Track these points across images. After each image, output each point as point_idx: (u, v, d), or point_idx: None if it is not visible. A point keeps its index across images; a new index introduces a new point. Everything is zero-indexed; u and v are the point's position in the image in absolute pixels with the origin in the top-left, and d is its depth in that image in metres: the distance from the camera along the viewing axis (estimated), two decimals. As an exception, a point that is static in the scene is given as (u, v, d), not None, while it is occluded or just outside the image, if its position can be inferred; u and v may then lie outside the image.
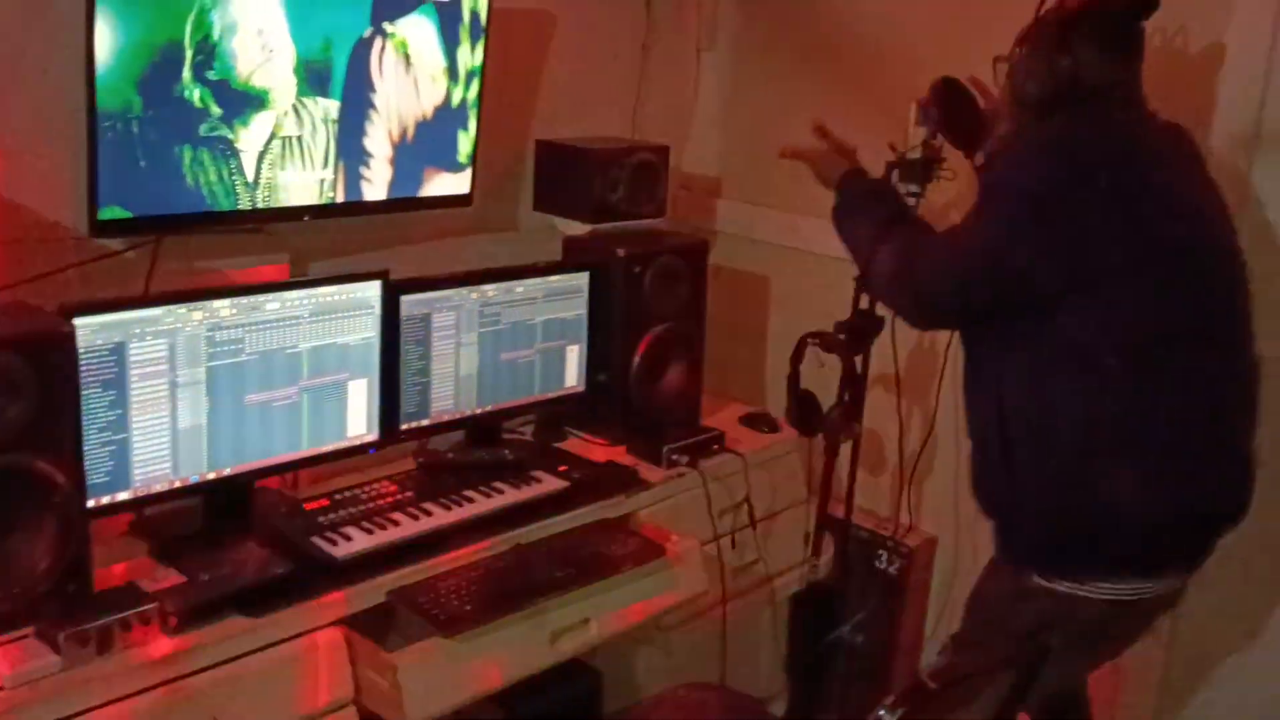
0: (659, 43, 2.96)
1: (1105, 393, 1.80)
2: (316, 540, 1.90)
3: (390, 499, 2.06)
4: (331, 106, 2.14)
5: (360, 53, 2.16)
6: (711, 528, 2.41)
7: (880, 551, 2.77)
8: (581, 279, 2.45)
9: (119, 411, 1.78)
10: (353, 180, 2.21)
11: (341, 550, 1.88)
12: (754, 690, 2.68)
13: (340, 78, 2.14)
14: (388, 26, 2.19)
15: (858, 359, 2.37)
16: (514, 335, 2.35)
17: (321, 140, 2.14)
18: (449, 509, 2.06)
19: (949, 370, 2.44)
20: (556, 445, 2.48)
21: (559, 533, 2.14)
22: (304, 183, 2.13)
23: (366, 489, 2.09)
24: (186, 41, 1.91)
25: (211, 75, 1.96)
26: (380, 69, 2.19)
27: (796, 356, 2.38)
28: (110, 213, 1.87)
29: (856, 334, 2.35)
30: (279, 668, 1.75)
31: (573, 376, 2.48)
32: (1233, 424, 1.89)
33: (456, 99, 2.34)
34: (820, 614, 2.75)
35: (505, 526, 2.08)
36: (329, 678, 1.80)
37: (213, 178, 2.01)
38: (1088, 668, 2.07)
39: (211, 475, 1.92)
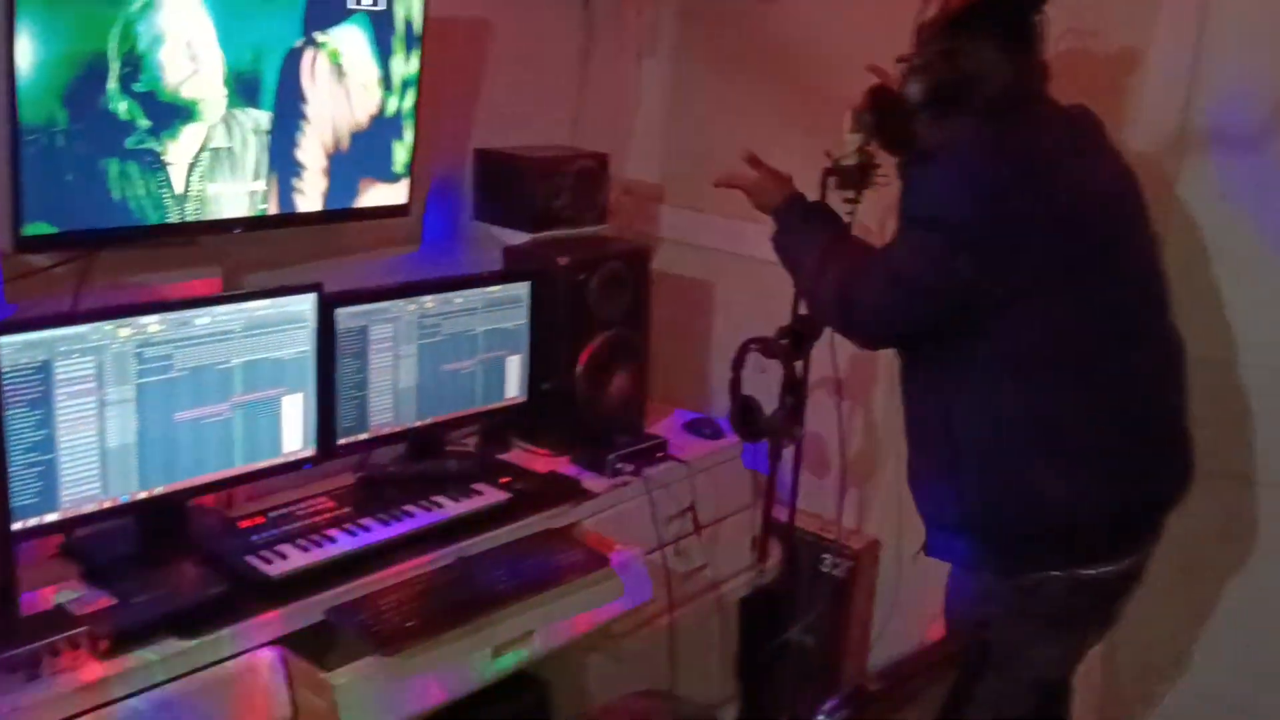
0: (598, 49, 2.95)
1: (1048, 393, 1.83)
2: (251, 559, 1.87)
3: (327, 515, 2.04)
4: (263, 117, 2.11)
5: (291, 63, 2.13)
6: (656, 536, 2.41)
7: (825, 555, 2.78)
8: (522, 288, 2.44)
9: (45, 431, 1.74)
10: (285, 192, 2.18)
11: (277, 569, 1.85)
12: (704, 696, 2.68)
13: (271, 88, 2.11)
14: (319, 36, 2.16)
15: (798, 364, 2.38)
16: (454, 346, 2.33)
17: (253, 152, 2.11)
18: (388, 524, 2.04)
19: (888, 373, 2.45)
20: (499, 456, 2.46)
21: (501, 545, 2.13)
22: (235, 195, 2.10)
23: (303, 505, 2.07)
24: (112, 53, 1.87)
25: (138, 87, 1.92)
26: (312, 79, 2.17)
27: (738, 362, 2.39)
28: (35, 228, 1.83)
29: (797, 339, 2.36)
30: (214, 690, 1.72)
31: (515, 387, 2.47)
32: (1172, 405, 1.94)
33: (391, 109, 2.32)
34: (768, 618, 2.76)
35: (447, 540, 2.07)
36: (265, 699, 1.77)
37: (141, 191, 1.98)
38: (1069, 656, 2.08)
39: (143, 495, 1.88)
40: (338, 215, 2.30)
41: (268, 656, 1.79)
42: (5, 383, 1.65)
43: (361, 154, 2.29)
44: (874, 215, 2.17)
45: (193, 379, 1.91)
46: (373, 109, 2.29)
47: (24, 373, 1.70)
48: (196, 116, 2.01)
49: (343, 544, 1.95)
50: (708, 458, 2.60)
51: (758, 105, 2.84)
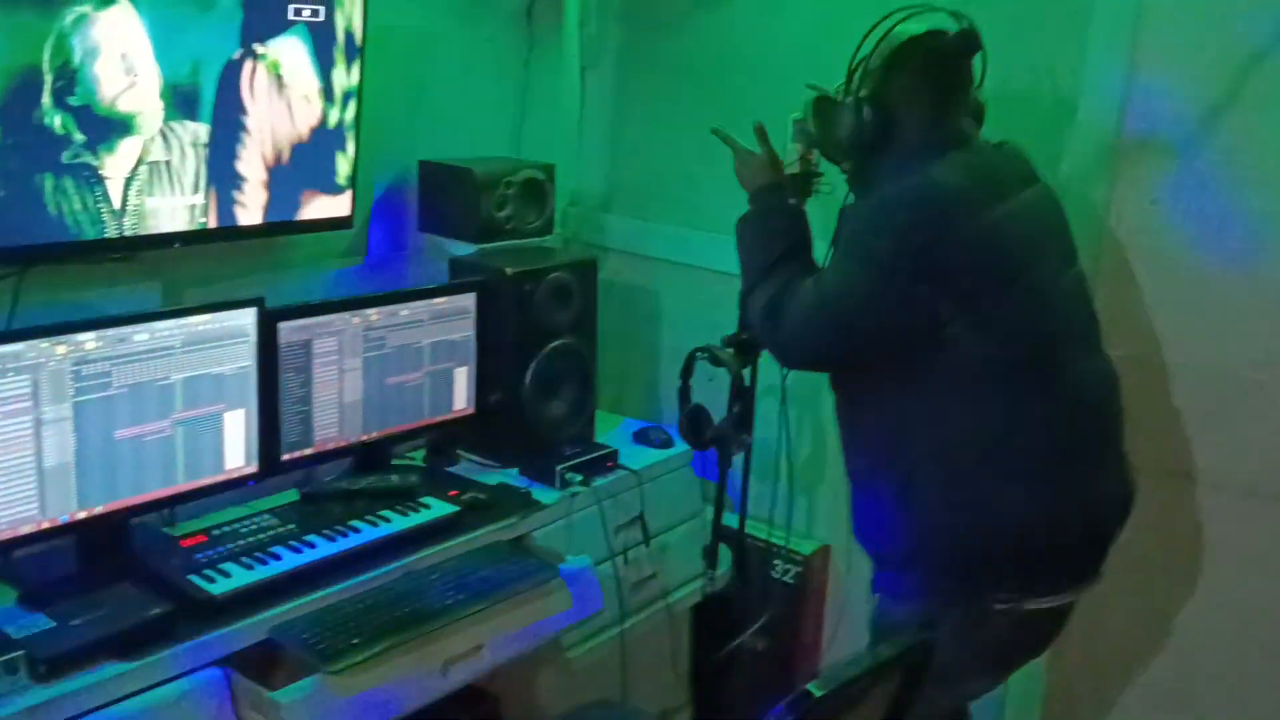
0: (542, 60, 2.95)
1: (993, 413, 1.84)
2: (194, 578, 1.84)
3: (272, 532, 2.01)
4: (201, 130, 2.09)
5: (230, 75, 2.11)
6: (607, 546, 2.41)
7: (776, 560, 2.79)
8: (469, 300, 2.43)
9: (-21, 452, 1.71)
10: (225, 205, 2.16)
11: (220, 587, 1.82)
12: (657, 706, 2.68)
13: (210, 100, 2.09)
14: (258, 48, 2.14)
15: (746, 371, 2.39)
16: (400, 359, 2.32)
17: (191, 165, 2.09)
18: (334, 540, 2.02)
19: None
20: (447, 469, 2.45)
21: (450, 559, 2.11)
22: (174, 209, 2.08)
23: (247, 523, 2.04)
24: (45, 67, 1.85)
25: (73, 101, 1.90)
26: (251, 91, 2.15)
27: (686, 371, 2.39)
28: (-33, 245, 1.81)
29: (743, 347, 2.37)
30: (157, 713, 1.69)
31: (462, 399, 2.45)
32: (1110, 424, 1.96)
33: (333, 120, 2.30)
34: (720, 626, 2.76)
35: (394, 555, 2.05)
36: (210, 720, 1.75)
37: (77, 206, 1.95)
38: (988, 687, 2.12)
39: (82, 514, 1.85)
40: (279, 228, 2.28)
41: (212, 677, 1.76)
42: (-63, 403, 1.62)
43: (303, 166, 2.27)
44: (816, 224, 2.18)
45: (132, 396, 1.88)
46: (314, 120, 2.27)
47: (-44, 392, 1.67)
48: (133, 130, 1.99)
49: (287, 561, 1.93)
50: (657, 466, 2.61)
51: (702, 115, 2.83)
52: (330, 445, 2.22)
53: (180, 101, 2.05)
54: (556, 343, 2.51)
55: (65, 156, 1.91)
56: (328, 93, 2.28)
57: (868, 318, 1.86)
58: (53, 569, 1.87)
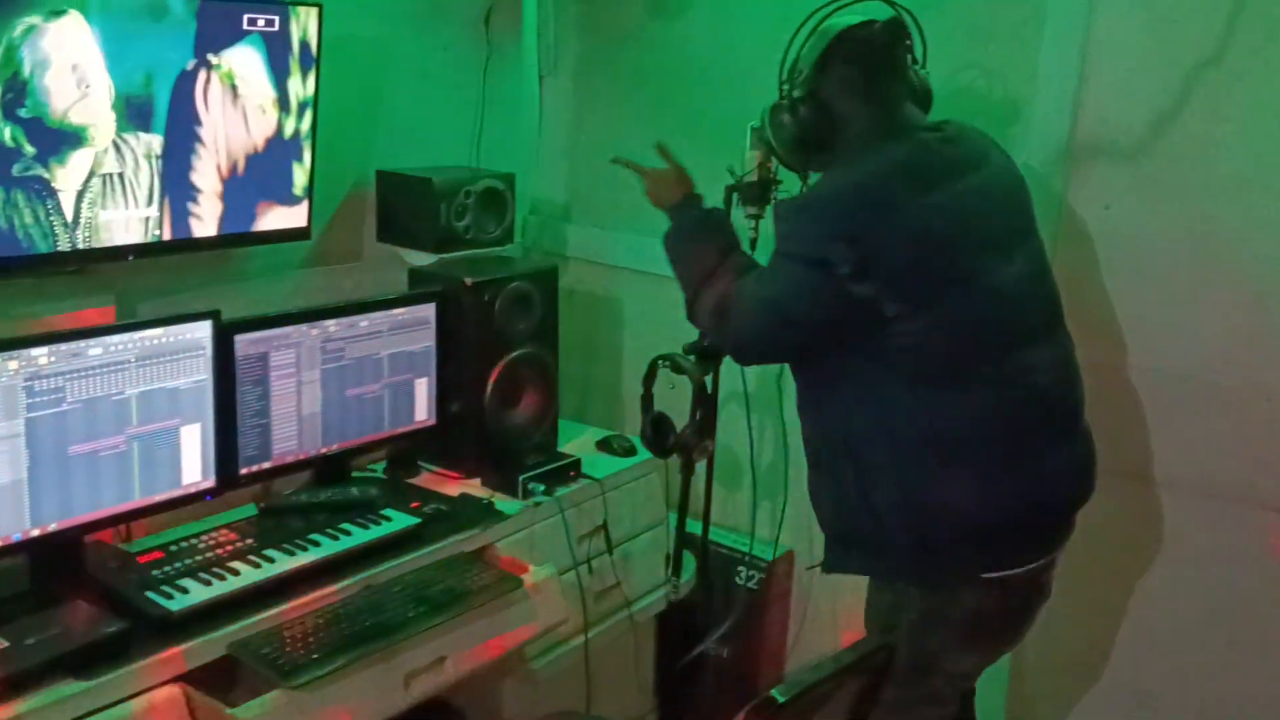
0: (500, 68, 2.95)
1: (942, 404, 1.86)
2: (151, 594, 1.82)
3: (229, 547, 1.99)
4: (154, 141, 2.07)
5: (184, 85, 2.09)
6: (570, 555, 2.40)
7: (739, 567, 2.79)
8: (428, 310, 2.42)
9: (-71, 470, 1.68)
10: (180, 217, 2.14)
11: (178, 604, 1.80)
12: (621, 714, 2.68)
13: (163, 111, 2.07)
14: (212, 58, 2.12)
15: (708, 378, 2.39)
16: (359, 370, 2.30)
17: (145, 177, 2.07)
18: (293, 554, 2.00)
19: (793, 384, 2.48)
20: (409, 481, 2.43)
21: (411, 571, 2.09)
22: (128, 221, 2.05)
23: (204, 538, 2.02)
24: (-7, 78, 1.82)
25: (24, 113, 1.88)
26: (205, 101, 2.13)
27: (649, 379, 2.39)
28: (-86, 259, 1.78)
29: (705, 354, 2.37)
30: (115, 732, 1.67)
31: (423, 410, 2.44)
32: (1066, 407, 1.98)
33: (289, 130, 2.28)
34: (684, 633, 2.77)
35: (355, 569, 2.03)
36: (169, 738, 1.72)
37: (28, 219, 1.93)
38: (981, 664, 2.12)
39: (35, 532, 1.82)
40: (235, 240, 2.26)
41: (170, 694, 1.73)
42: (-116, 421, 1.59)
43: (259, 176, 2.25)
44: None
45: (86, 411, 1.85)
46: (269, 130, 2.25)
47: (-96, 410, 1.64)
48: (85, 142, 1.97)
49: (246, 576, 1.91)
50: (621, 475, 2.60)
51: (661, 122, 2.85)
52: (289, 458, 2.20)
53: (133, 113, 2.02)
54: (518, 352, 2.50)
55: (16, 169, 1.89)
56: (283, 102, 2.26)
57: (809, 313, 1.87)
58: (5, 587, 1.84)
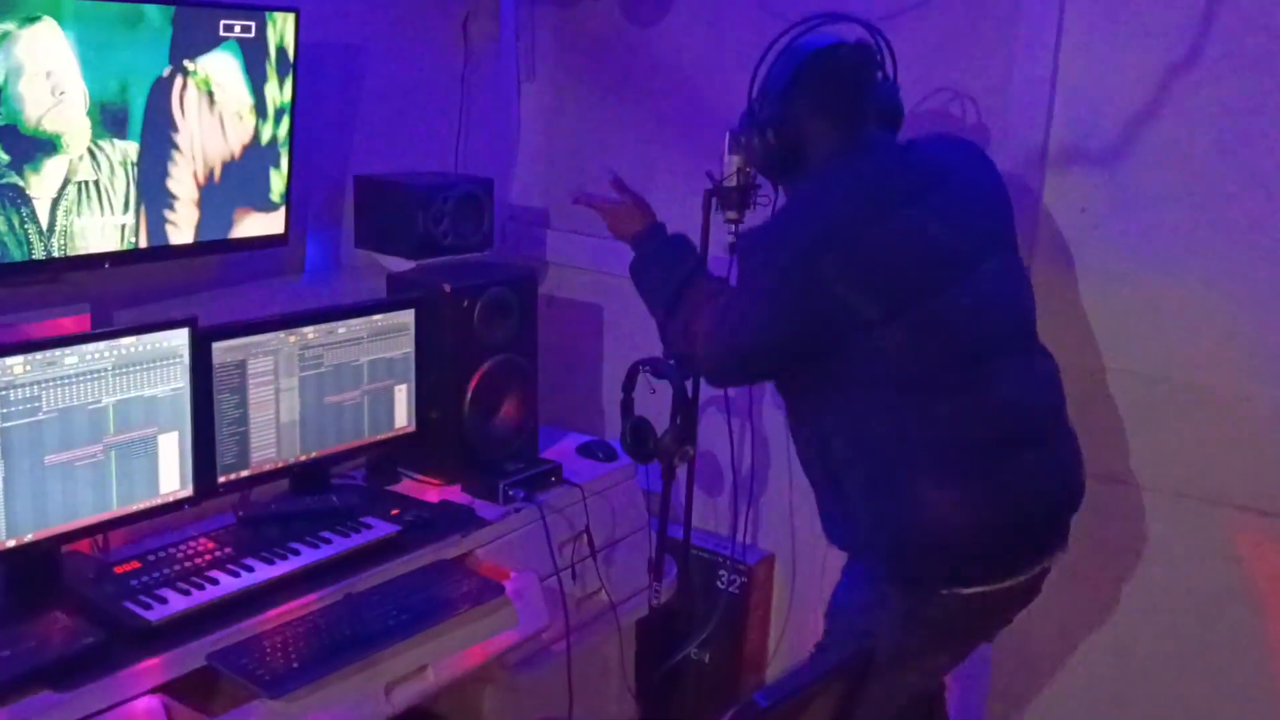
0: (478, 74, 2.94)
1: (917, 416, 1.86)
2: (129, 605, 1.80)
3: (208, 556, 1.97)
4: (130, 148, 2.05)
5: (160, 92, 2.08)
6: (552, 561, 2.39)
7: (721, 571, 2.80)
8: (407, 316, 2.41)
9: (-98, 482, 1.66)
10: (156, 224, 2.12)
11: (156, 614, 1.78)
12: (603, 720, 2.67)
13: (139, 118, 2.06)
14: (189, 64, 2.11)
15: (688, 383, 2.40)
16: (338, 377, 2.29)
17: (121, 184, 2.05)
18: (272, 563, 1.98)
19: (771, 388, 2.49)
20: (389, 488, 2.42)
21: (392, 579, 2.09)
22: (104, 228, 2.04)
23: (182, 548, 2.00)
24: (-34, 85, 1.81)
25: (-3, 120, 1.86)
26: (182, 108, 2.12)
27: (629, 384, 2.39)
28: (-114, 269, 1.76)
29: (685, 360, 2.37)
30: (93, 744, 1.66)
31: (402, 417, 2.43)
32: (1046, 417, 1.99)
33: (266, 136, 2.27)
34: (666, 638, 2.76)
35: (335, 577, 2.02)
36: (147, 750, 1.71)
37: (3, 228, 1.91)
38: (955, 664, 2.13)
39: (11, 543, 1.80)
40: (212, 247, 2.24)
41: (149, 706, 1.72)
42: None
43: (236, 183, 2.24)
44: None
45: (62, 421, 1.84)
46: (246, 137, 2.24)
47: (-123, 421, 1.62)
48: (60, 149, 1.95)
49: (225, 586, 1.89)
50: (602, 480, 2.60)
51: (640, 128, 2.86)
52: (268, 466, 2.19)
53: (108, 120, 2.01)
54: (497, 358, 2.49)
55: (-11, 177, 1.87)
56: (260, 109, 2.25)
57: (773, 340, 1.91)
58: (-19, 600, 1.82)
